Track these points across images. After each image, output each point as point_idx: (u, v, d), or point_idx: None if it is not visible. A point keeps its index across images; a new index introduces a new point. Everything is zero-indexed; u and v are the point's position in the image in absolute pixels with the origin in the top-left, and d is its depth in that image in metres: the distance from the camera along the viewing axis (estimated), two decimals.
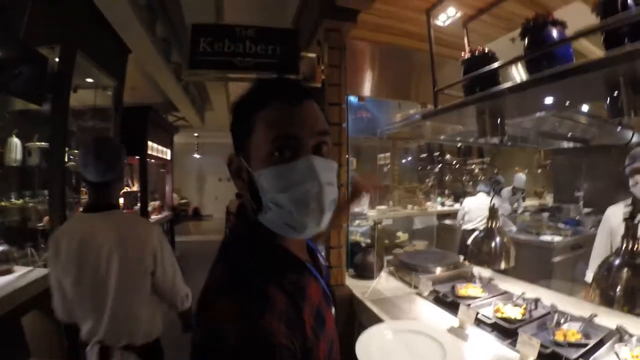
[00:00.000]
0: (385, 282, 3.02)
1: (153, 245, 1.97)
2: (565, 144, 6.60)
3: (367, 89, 3.96)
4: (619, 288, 1.53)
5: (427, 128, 5.04)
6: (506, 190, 6.08)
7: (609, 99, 1.58)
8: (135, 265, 1.94)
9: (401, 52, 3.92)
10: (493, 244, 2.25)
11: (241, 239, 0.90)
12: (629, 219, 1.59)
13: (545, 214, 6.43)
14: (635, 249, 1.56)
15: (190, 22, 3.51)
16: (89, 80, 4.52)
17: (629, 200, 2.57)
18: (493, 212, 2.38)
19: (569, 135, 5.55)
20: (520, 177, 7.00)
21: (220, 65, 3.37)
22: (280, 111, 0.81)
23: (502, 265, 2.23)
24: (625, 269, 1.53)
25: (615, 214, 2.61)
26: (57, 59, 3.71)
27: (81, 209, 2.24)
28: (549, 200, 8.62)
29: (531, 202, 8.62)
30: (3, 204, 3.89)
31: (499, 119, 2.25)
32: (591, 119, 3.68)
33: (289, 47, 3.48)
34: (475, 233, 2.63)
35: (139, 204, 7.02)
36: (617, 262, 1.57)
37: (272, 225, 0.84)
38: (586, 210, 6.42)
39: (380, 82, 3.98)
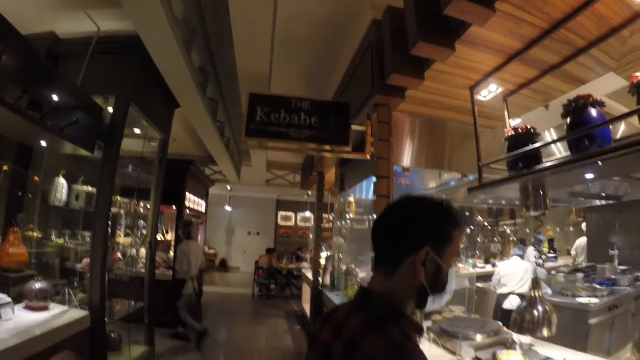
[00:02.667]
0: (427, 349, 2.94)
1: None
2: (598, 202, 6.46)
3: (407, 159, 4.05)
4: None
5: (460, 194, 5.06)
6: (533, 252, 5.89)
7: None
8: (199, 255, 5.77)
9: (439, 123, 4.04)
10: (536, 313, 2.21)
11: (397, 314, 1.07)
12: None
13: (580, 274, 6.17)
14: None
15: (239, 86, 3.65)
16: (137, 131, 4.77)
17: None
18: (536, 281, 2.35)
19: (602, 193, 5.46)
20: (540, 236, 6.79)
21: (275, 135, 3.51)
22: (461, 236, 1.20)
23: (545, 334, 2.16)
24: None
25: None
26: (110, 109, 3.95)
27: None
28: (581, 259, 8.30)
29: (564, 262, 8.30)
30: (44, 241, 4.00)
31: (541, 193, 2.29)
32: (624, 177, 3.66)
33: (341, 120, 3.63)
34: (514, 297, 2.59)
35: (171, 252, 7.11)
36: None
37: (430, 300, 1.13)
38: (621, 267, 6.15)
39: (420, 153, 4.06)
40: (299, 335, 7.21)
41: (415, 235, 1.09)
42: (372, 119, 3.51)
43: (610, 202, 5.99)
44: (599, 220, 8.20)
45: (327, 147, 3.56)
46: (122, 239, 5.48)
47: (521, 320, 2.21)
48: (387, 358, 0.93)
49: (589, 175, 2.16)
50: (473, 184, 3.50)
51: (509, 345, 2.73)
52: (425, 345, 3.00)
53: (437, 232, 1.10)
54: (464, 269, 7.38)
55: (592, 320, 4.66)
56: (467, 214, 7.59)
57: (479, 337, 2.81)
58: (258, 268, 11.37)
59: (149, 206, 5.30)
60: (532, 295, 2.28)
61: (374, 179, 3.37)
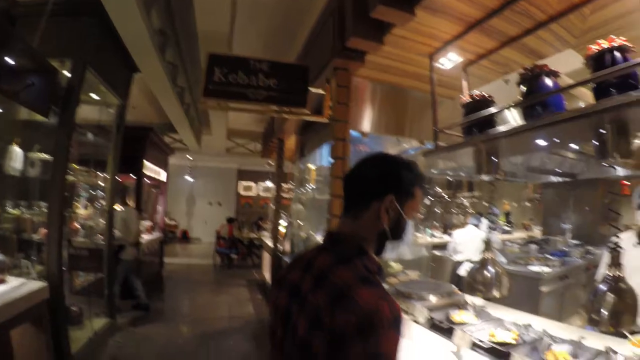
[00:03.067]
0: None
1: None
2: (554, 179, 6.77)
3: (367, 125, 4.11)
4: (605, 311, 1.61)
5: (420, 163, 5.15)
6: (487, 223, 6.16)
7: (596, 142, 1.72)
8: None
9: (400, 90, 4.10)
10: (487, 274, 2.32)
11: (362, 252, 1.20)
12: (614, 250, 1.70)
13: (534, 246, 6.52)
14: (619, 276, 1.66)
15: (200, 50, 3.58)
16: (95, 96, 4.58)
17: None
18: (488, 244, 2.46)
19: (557, 170, 5.71)
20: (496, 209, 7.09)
21: (233, 96, 3.47)
22: (422, 195, 1.32)
23: (496, 294, 2.29)
24: (611, 294, 1.62)
25: (624, 241, 2.72)
26: (67, 73, 3.77)
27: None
28: (537, 232, 8.76)
29: (520, 235, 8.74)
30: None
31: (494, 159, 2.38)
32: (579, 155, 3.82)
33: (299, 83, 3.59)
34: (469, 264, 2.69)
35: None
36: (603, 288, 1.67)
37: (389, 248, 1.27)
38: (574, 242, 6.55)
39: (380, 119, 4.13)
40: (261, 303, 7.31)
41: (383, 184, 1.23)
42: (332, 82, 3.55)
43: (566, 179, 6.31)
44: (555, 196, 8.61)
45: (286, 109, 3.56)
46: (81, 210, 5.33)
47: (473, 281, 2.32)
48: (357, 283, 1.06)
49: (541, 142, 2.26)
50: None
51: (462, 306, 2.89)
52: None
53: (402, 185, 1.24)
54: (422, 238, 7.63)
55: (544, 288, 4.95)
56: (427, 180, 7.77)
57: (432, 298, 2.92)
58: (219, 238, 11.35)
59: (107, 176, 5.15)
60: (484, 257, 2.39)
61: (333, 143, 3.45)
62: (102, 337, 4.60)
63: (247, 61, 3.52)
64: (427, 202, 8.67)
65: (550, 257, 5.67)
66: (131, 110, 5.90)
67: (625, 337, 2.12)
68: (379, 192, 1.23)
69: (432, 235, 7.91)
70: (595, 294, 1.71)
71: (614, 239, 1.81)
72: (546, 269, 5.15)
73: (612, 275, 1.71)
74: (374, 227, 1.23)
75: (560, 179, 6.58)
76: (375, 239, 1.25)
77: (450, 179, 8.00)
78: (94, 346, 4.24)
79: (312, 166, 6.49)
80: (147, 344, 4.85)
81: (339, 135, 3.43)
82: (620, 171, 3.08)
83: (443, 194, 8.25)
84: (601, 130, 1.73)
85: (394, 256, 1.32)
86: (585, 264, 5.70)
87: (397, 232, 1.25)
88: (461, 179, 7.25)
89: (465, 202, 8.73)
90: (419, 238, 7.41)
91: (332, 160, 3.51)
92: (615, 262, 1.72)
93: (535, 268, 5.21)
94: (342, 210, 1.30)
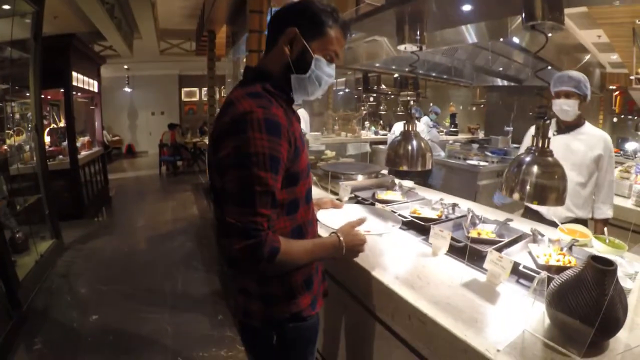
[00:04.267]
0: None
1: None
2: (500, 82, 6.75)
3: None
4: (529, 183, 1.52)
5: (360, 52, 4.92)
6: (427, 120, 6.14)
7: (524, 6, 1.52)
8: None
9: None
10: (410, 147, 2.19)
11: (265, 78, 1.23)
12: (540, 119, 1.57)
13: (475, 145, 6.62)
14: (545, 147, 1.55)
15: None
16: (6, 7, 3.92)
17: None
18: (409, 116, 2.31)
19: (503, 72, 5.65)
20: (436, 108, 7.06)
21: None
22: (343, 39, 1.29)
23: (419, 167, 2.19)
24: (535, 166, 1.51)
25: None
26: None
27: None
28: (482, 136, 8.93)
29: (465, 137, 8.89)
30: None
31: (418, 26, 2.15)
32: (524, 53, 3.71)
33: None
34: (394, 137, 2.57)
35: (65, 142, 6.41)
36: (527, 159, 1.55)
37: (298, 85, 1.26)
38: (514, 145, 6.66)
39: None
40: (205, 205, 7.37)
41: (286, 18, 1.23)
42: None
43: (512, 84, 6.29)
44: (499, 100, 8.69)
45: None
46: (9, 132, 4.84)
47: (394, 155, 2.20)
48: (244, 96, 1.12)
49: (466, 8, 2.03)
50: None
51: (390, 187, 2.83)
52: None
53: (309, 21, 1.22)
54: (366, 135, 7.62)
55: (481, 182, 5.08)
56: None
57: (360, 177, 2.87)
58: (162, 146, 10.92)
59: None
60: (406, 129, 2.25)
61: None
62: (50, 259, 4.45)
63: None
64: (372, 100, 8.58)
65: (490, 154, 5.76)
66: (53, 20, 5.27)
67: (556, 225, 2.14)
68: (282, 25, 1.22)
69: (377, 133, 7.91)
70: (518, 165, 1.58)
71: (541, 109, 1.66)
72: (484, 163, 5.23)
73: (538, 146, 1.58)
74: (279, 59, 1.23)
75: (506, 83, 6.58)
76: (280, 73, 1.24)
77: (397, 76, 7.83)
78: (41, 269, 4.11)
79: (244, 59, 6.05)
80: (95, 257, 4.83)
81: (254, 7, 3.09)
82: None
83: (388, 91, 8.09)
84: None
85: (310, 97, 1.19)
86: None
87: (301, 66, 1.23)
88: (406, 75, 7.08)
89: (410, 100, 8.66)
90: (363, 135, 7.39)
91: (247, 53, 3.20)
92: (543, 133, 1.58)
93: (474, 162, 5.29)
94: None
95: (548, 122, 1.59)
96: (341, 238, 1.29)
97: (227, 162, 1.06)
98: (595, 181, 2.53)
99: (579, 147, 2.47)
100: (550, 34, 1.58)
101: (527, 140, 2.70)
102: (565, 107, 2.41)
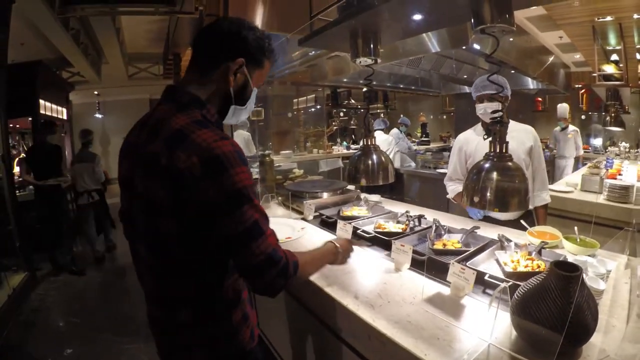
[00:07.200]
0: (273, 212, 2.92)
1: None
2: (467, 89, 6.82)
3: (258, 21, 3.60)
4: (489, 190, 1.45)
5: (327, 69, 4.89)
6: (396, 132, 6.13)
7: (472, 10, 1.49)
8: None
9: None
10: (370, 162, 2.13)
11: (202, 104, 1.15)
12: (497, 124, 1.52)
13: (447, 153, 6.62)
14: (503, 152, 1.50)
15: None
16: None
17: (477, 126, 2.74)
18: (368, 132, 2.24)
19: (469, 79, 5.69)
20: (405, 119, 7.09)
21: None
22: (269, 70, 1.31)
23: (380, 181, 2.12)
24: (495, 172, 1.46)
25: (467, 139, 2.74)
26: None
27: None
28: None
29: (437, 145, 8.93)
30: None
31: (371, 39, 2.11)
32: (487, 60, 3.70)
33: None
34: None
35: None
36: (487, 165, 1.49)
37: (233, 114, 1.26)
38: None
39: (271, 14, 3.63)
40: None
41: (236, 47, 1.18)
42: None
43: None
44: (467, 107, 8.75)
45: (151, 8, 3.08)
46: None
47: (355, 171, 2.13)
48: (193, 126, 1.04)
49: (417, 17, 1.98)
50: None
51: (355, 202, 2.77)
52: (272, 208, 3.02)
53: (254, 52, 1.20)
54: (338, 150, 7.61)
55: None
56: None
57: (325, 195, 2.81)
58: None
59: None
60: (364, 143, 2.19)
61: None
62: (22, 292, 4.28)
63: None
64: (342, 115, 8.59)
65: None
66: (20, 47, 5.24)
67: (524, 229, 2.11)
68: (232, 54, 1.17)
69: (349, 148, 7.92)
70: (477, 172, 1.51)
71: (497, 113, 1.60)
72: None
73: (496, 151, 1.52)
74: (220, 87, 1.18)
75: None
76: (218, 101, 1.20)
77: (365, 89, 7.85)
78: (14, 303, 3.96)
79: None
80: (69, 289, 4.69)
81: None
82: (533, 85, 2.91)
83: (358, 105, 8.12)
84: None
85: (234, 121, 1.15)
86: None
87: (241, 98, 1.23)
88: (376, 89, 7.10)
89: (381, 114, 8.71)
90: (335, 150, 7.35)
91: None
92: (500, 138, 1.52)
93: (444, 170, 5.26)
94: (187, 67, 1.23)
95: (505, 124, 1.55)
96: (337, 244, 1.47)
97: (218, 209, 1.02)
98: (531, 172, 2.56)
99: (512, 145, 2.42)
100: (500, 38, 1.53)
101: (459, 146, 2.77)
102: (489, 110, 2.43)
